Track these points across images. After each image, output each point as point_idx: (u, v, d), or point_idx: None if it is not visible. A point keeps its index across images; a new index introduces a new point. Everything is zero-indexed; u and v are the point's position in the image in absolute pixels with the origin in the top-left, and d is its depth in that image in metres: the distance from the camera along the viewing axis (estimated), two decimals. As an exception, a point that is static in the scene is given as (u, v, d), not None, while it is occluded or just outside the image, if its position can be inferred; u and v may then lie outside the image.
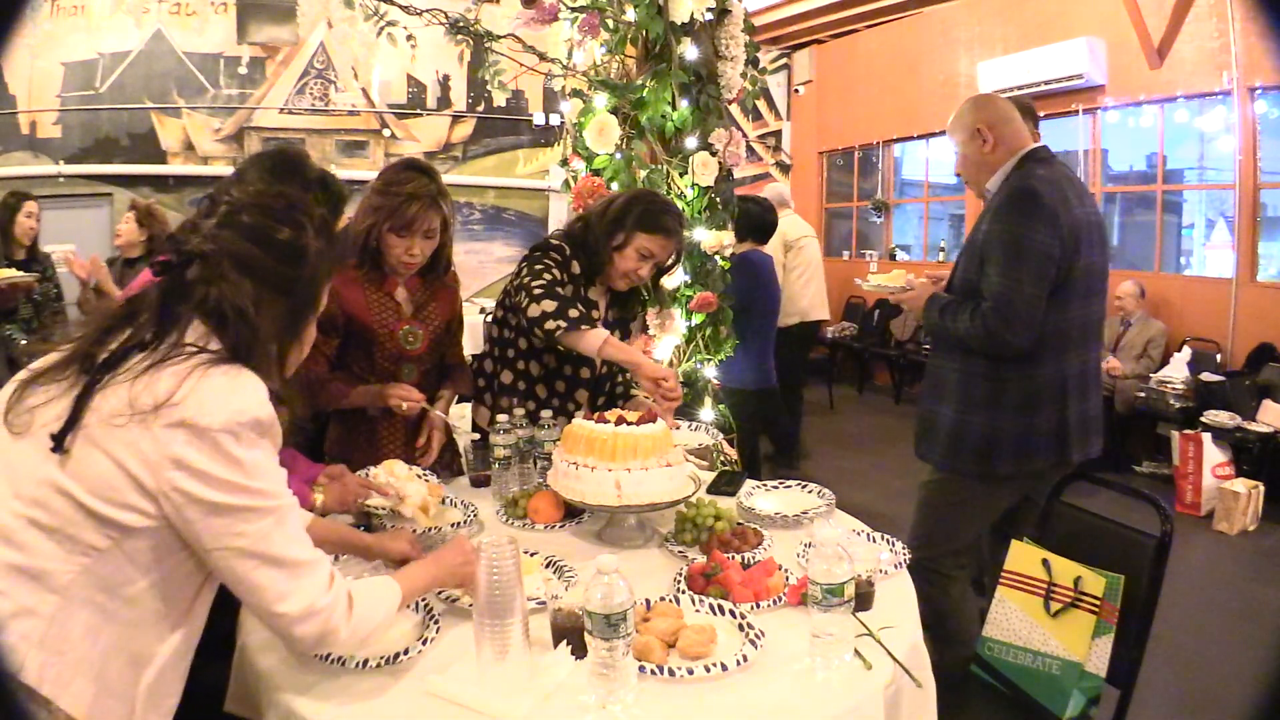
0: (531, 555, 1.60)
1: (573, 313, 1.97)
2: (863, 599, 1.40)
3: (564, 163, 3.41)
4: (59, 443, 1.03)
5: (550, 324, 1.96)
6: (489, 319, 2.42)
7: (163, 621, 1.10)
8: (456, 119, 7.95)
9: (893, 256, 8.61)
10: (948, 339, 2.27)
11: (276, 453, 1.13)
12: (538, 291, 2.01)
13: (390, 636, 1.30)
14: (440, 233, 2.09)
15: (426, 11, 3.30)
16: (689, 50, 3.12)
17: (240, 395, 1.07)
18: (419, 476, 1.87)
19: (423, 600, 1.40)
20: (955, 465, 2.26)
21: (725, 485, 2.08)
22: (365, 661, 1.24)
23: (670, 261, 2.27)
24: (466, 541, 1.45)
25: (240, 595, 1.12)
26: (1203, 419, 4.82)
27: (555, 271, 2.13)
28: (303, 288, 1.20)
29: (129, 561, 1.05)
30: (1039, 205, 2.09)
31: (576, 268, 2.20)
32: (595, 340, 1.96)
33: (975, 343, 2.16)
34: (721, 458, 3.18)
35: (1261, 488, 4.42)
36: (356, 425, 2.16)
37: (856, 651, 1.30)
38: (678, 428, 2.31)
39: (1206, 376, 5.10)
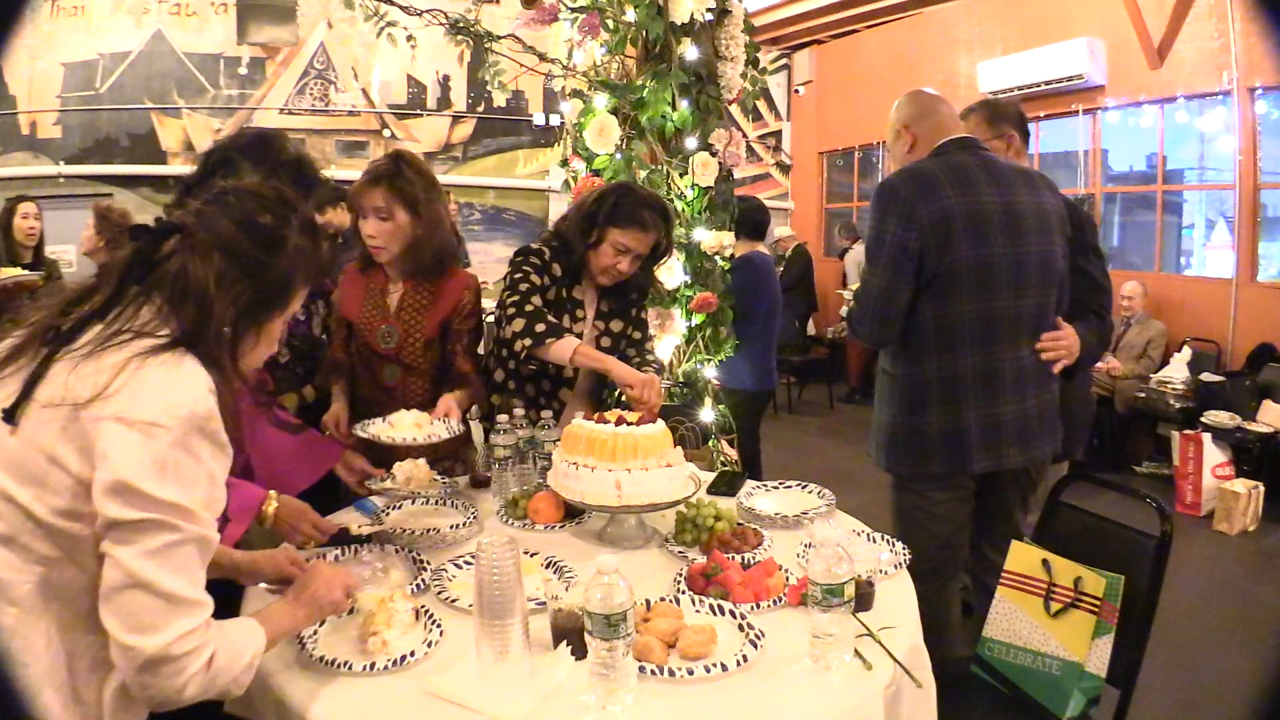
0: (531, 555, 1.60)
1: (539, 327, 2.04)
2: (863, 599, 1.40)
3: (564, 163, 3.41)
4: (10, 416, 1.00)
5: (519, 344, 2.05)
6: (488, 319, 2.43)
7: None
8: (456, 119, 7.95)
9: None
10: None
11: (226, 461, 1.07)
12: (510, 311, 2.09)
13: (395, 640, 1.29)
14: (394, 217, 2.07)
15: (426, 12, 3.30)
16: (689, 51, 3.12)
17: (176, 388, 1.02)
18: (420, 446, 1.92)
19: (422, 606, 1.38)
20: (879, 461, 2.26)
21: (725, 486, 2.08)
22: (373, 665, 1.24)
23: (659, 252, 2.26)
24: (326, 567, 1.32)
25: (103, 608, 1.00)
26: (1203, 419, 4.82)
27: (534, 278, 2.16)
28: (273, 277, 1.16)
29: (80, 571, 1.03)
30: (890, 198, 2.09)
31: (558, 269, 2.21)
32: (565, 350, 2.03)
33: (855, 337, 2.29)
34: (721, 458, 3.18)
35: (1261, 488, 4.42)
36: (367, 415, 2.17)
37: (856, 652, 1.30)
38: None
39: (1206, 376, 5.10)
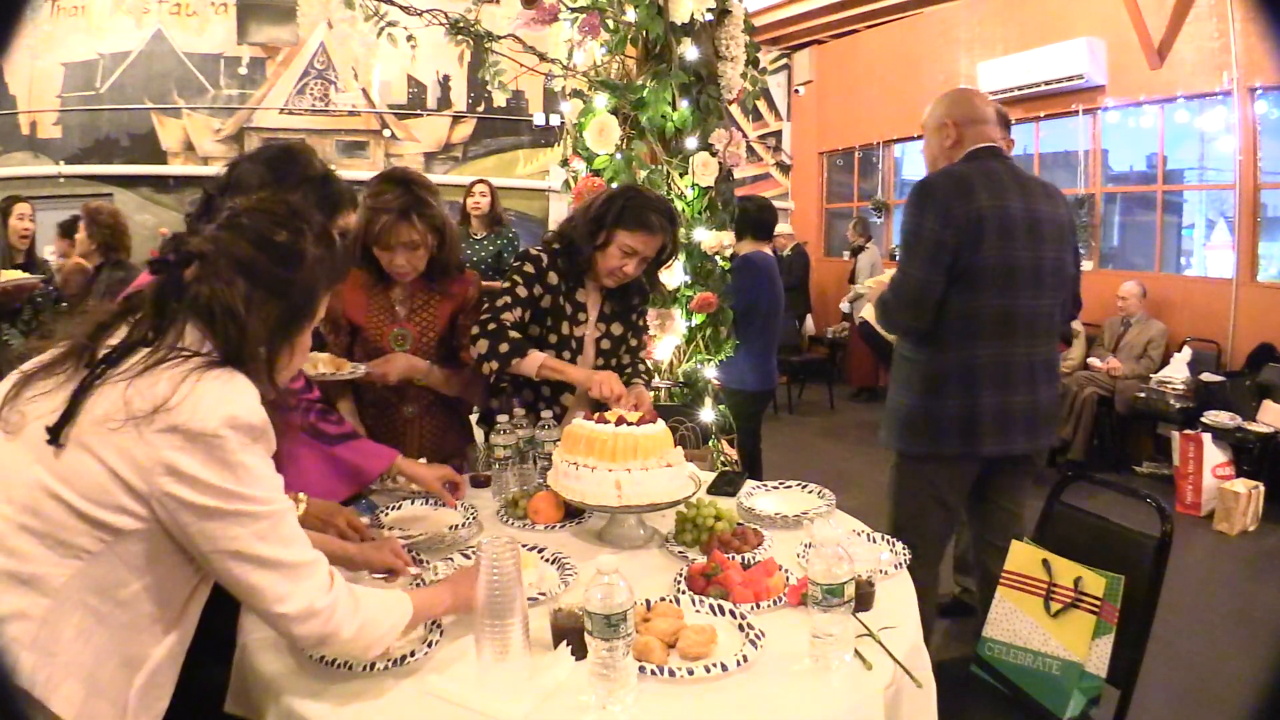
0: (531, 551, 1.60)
1: (503, 348, 2.07)
2: (863, 599, 1.40)
3: (564, 163, 3.41)
4: (55, 435, 1.03)
5: (485, 367, 2.08)
6: None
7: (156, 624, 1.10)
8: (456, 119, 7.95)
9: (893, 257, 8.60)
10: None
11: (270, 455, 1.13)
12: (474, 331, 2.10)
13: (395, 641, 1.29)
14: (425, 243, 2.08)
15: (426, 12, 3.30)
16: (689, 51, 3.13)
17: (233, 401, 1.07)
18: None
19: None
20: (890, 443, 2.41)
21: (725, 485, 2.08)
22: (372, 665, 1.24)
23: (664, 255, 2.26)
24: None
25: (239, 597, 1.12)
26: (1203, 419, 4.82)
27: (519, 290, 2.16)
28: (298, 292, 1.19)
29: (122, 564, 1.05)
30: (929, 196, 2.25)
31: (554, 277, 2.20)
32: (532, 365, 2.08)
33: (884, 326, 2.39)
34: (722, 458, 3.18)
35: (1261, 488, 4.43)
36: (379, 419, 2.19)
37: (856, 652, 1.30)
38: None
39: (1206, 377, 5.10)
